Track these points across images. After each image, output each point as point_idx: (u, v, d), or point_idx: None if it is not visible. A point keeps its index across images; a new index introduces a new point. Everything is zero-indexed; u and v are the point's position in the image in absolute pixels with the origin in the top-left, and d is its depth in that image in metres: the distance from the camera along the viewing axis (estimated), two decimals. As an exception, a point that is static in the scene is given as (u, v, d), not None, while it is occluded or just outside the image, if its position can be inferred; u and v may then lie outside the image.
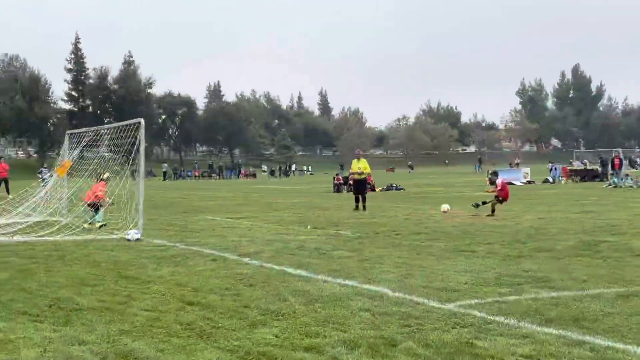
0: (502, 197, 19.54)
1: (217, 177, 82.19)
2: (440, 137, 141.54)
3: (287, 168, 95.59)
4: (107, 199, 17.46)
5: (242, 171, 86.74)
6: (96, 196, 17.31)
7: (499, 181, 20.07)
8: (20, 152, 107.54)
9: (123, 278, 9.55)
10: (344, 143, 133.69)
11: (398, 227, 16.48)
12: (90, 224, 17.01)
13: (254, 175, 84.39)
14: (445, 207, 20.57)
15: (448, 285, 8.70)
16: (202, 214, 21.84)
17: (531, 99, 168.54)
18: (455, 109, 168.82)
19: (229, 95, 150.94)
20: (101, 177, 17.91)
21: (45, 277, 9.65)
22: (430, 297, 7.98)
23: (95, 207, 17.42)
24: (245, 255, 11.78)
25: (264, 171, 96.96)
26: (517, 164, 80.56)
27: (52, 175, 22.21)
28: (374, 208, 23.02)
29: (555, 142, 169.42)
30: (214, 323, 6.83)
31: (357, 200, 22.90)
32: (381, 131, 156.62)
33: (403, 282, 8.94)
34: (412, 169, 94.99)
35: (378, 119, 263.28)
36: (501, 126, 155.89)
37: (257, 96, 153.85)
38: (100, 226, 16.72)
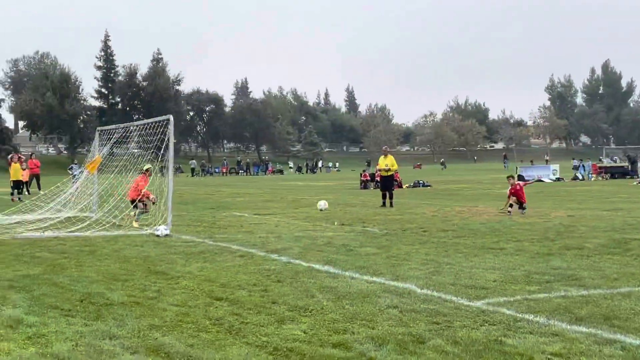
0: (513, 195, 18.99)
1: (245, 173, 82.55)
2: (468, 134, 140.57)
3: (314, 165, 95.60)
4: (152, 195, 17.23)
5: (269, 168, 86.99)
6: (139, 192, 16.98)
7: (520, 183, 19.71)
8: (50, 149, 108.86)
9: (153, 273, 9.66)
10: (371, 140, 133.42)
11: (425, 224, 16.42)
12: (135, 220, 16.98)
13: (281, 172, 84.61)
14: (322, 204, 19.08)
15: (476, 282, 8.66)
16: (229, 210, 21.97)
17: (560, 95, 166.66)
18: (483, 105, 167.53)
19: (257, 92, 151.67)
20: (142, 169, 17.60)
21: (76, 272, 9.80)
22: (459, 294, 7.95)
23: (136, 202, 17.08)
24: (273, 251, 11.83)
25: (291, 167, 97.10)
26: (547, 161, 79.91)
27: (82, 172, 22.50)
28: (401, 205, 22.97)
29: (584, 138, 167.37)
30: (243, 318, 6.88)
31: (384, 197, 22.87)
32: (408, 128, 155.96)
33: (431, 279, 8.92)
34: (445, 166, 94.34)
35: (405, 116, 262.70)
36: (530, 123, 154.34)
37: (284, 93, 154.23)
38: (135, 220, 16.78)
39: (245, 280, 9.00)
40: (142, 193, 16.97)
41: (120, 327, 6.54)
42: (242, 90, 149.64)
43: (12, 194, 28.33)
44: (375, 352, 5.69)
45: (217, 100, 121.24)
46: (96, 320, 6.83)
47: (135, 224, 16.43)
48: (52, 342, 6.03)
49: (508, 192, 19.27)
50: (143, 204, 17.13)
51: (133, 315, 7.04)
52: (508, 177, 20.35)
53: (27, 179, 32.55)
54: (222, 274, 9.52)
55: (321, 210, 18.58)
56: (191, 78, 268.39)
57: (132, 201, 17.14)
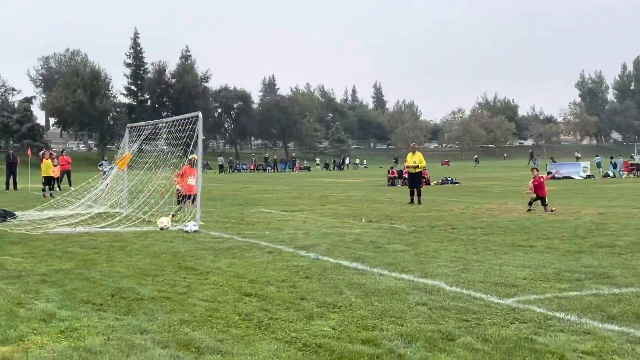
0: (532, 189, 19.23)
1: (272, 170, 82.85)
2: (497, 131, 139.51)
3: (341, 161, 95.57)
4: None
5: (297, 165, 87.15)
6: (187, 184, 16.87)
7: (545, 176, 19.81)
8: (81, 145, 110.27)
9: (182, 269, 9.73)
10: (398, 136, 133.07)
11: (454, 221, 16.34)
12: (172, 215, 16.60)
13: (308, 169, 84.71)
14: (162, 221, 15.08)
15: (506, 280, 8.60)
16: (257, 206, 22.04)
17: (591, 91, 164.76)
18: (513, 101, 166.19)
19: (284, 89, 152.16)
20: (189, 159, 17.13)
21: (107, 267, 9.91)
22: (488, 292, 7.90)
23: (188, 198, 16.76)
24: (301, 247, 11.85)
25: (318, 164, 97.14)
26: (577, 158, 79.03)
27: (112, 168, 22.72)
28: (429, 202, 22.87)
29: (615, 135, 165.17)
30: (272, 314, 6.90)
31: (412, 193, 22.79)
32: (436, 124, 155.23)
33: (460, 277, 8.88)
34: (478, 162, 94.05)
35: (433, 112, 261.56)
36: (560, 119, 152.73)
37: (312, 90, 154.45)
38: (172, 215, 16.62)
39: (274, 277, 9.04)
40: (177, 183, 16.92)
41: (151, 322, 6.60)
42: (269, 87, 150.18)
43: (43, 190, 28.75)
44: (404, 349, 5.68)
45: (244, 97, 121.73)
46: (127, 315, 6.91)
47: (171, 219, 16.37)
48: (84, 336, 6.11)
49: (531, 184, 19.34)
50: (188, 199, 16.93)
51: (163, 310, 7.11)
52: (532, 169, 20.39)
53: (59, 175, 33.01)
54: (251, 270, 9.57)
55: (161, 229, 14.73)
56: (219, 75, 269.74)
57: (185, 196, 16.86)
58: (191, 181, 16.94)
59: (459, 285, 8.31)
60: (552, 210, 18.27)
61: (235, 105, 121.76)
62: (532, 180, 19.41)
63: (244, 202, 24.49)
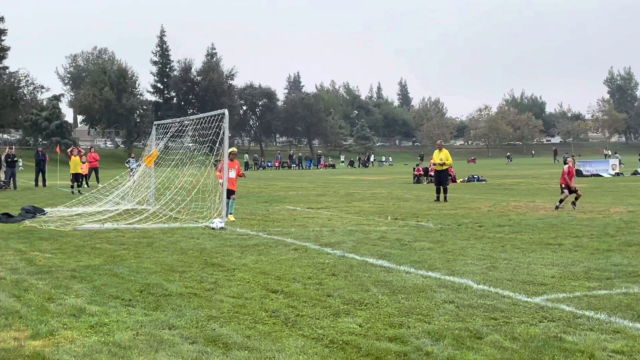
0: (562, 183, 19.16)
1: (297, 167, 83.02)
2: (524, 128, 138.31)
3: (366, 159, 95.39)
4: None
5: (322, 162, 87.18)
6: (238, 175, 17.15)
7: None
8: (108, 143, 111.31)
9: (209, 265, 9.79)
10: (424, 134, 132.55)
11: (481, 219, 16.23)
12: (230, 214, 16.49)
13: (333, 166, 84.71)
14: None
15: (534, 278, 8.53)
16: (282, 203, 22.08)
17: (620, 87, 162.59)
18: (540, 98, 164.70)
19: (309, 86, 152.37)
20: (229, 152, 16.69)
21: (135, 263, 10.00)
22: (516, 290, 7.85)
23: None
24: (326, 245, 11.86)
25: (342, 162, 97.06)
26: (606, 155, 78.09)
27: (139, 165, 22.90)
28: (455, 199, 22.74)
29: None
30: (298, 311, 6.92)
31: (438, 191, 22.69)
32: (462, 122, 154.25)
33: (487, 275, 8.82)
34: (511, 160, 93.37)
35: (459, 110, 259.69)
36: (588, 116, 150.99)
37: (337, 87, 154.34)
38: (230, 213, 16.47)
39: (300, 273, 9.06)
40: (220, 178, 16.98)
41: (179, 318, 6.65)
42: (294, 84, 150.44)
43: (72, 186, 29.08)
44: (431, 347, 5.66)
45: (269, 94, 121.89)
46: (155, 311, 6.97)
47: (231, 217, 16.36)
48: (113, 331, 6.18)
49: (567, 168, 19.28)
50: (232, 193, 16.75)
51: (191, 306, 7.16)
52: (564, 157, 20.52)
53: (87, 172, 33.36)
54: (277, 267, 9.59)
55: None
56: (244, 72, 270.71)
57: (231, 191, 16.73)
58: (231, 174, 16.89)
59: (486, 283, 8.26)
60: (575, 200, 18.36)
61: (260, 103, 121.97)
62: (567, 166, 19.44)
63: (269, 199, 24.54)
